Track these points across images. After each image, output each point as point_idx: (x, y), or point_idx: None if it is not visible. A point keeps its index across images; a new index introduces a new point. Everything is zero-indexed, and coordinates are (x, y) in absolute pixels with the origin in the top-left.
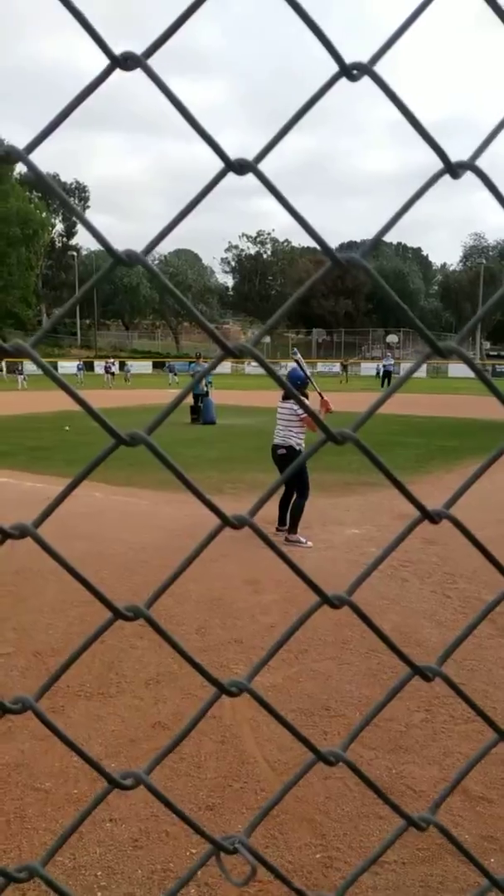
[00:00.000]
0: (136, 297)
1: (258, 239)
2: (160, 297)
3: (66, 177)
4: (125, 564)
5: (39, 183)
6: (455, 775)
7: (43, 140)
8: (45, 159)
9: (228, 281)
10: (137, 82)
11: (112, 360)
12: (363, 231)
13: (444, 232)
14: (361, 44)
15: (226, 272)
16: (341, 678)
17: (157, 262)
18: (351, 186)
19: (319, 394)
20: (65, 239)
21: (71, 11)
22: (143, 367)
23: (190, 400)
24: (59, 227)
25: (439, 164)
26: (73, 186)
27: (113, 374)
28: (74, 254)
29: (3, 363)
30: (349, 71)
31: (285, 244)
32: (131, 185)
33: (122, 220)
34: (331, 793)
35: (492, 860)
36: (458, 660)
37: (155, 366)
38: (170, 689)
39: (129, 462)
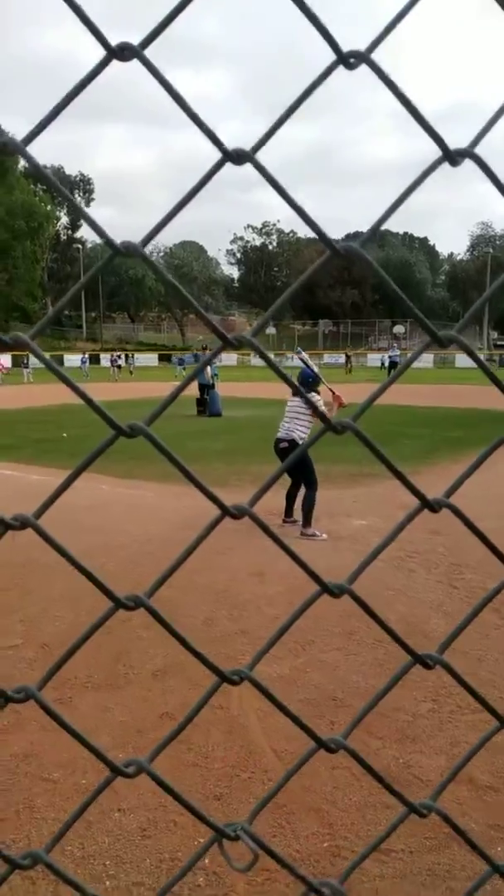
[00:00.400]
0: (142, 290)
1: (263, 230)
2: (165, 290)
3: (71, 169)
4: (130, 556)
5: (41, 175)
6: (456, 763)
7: (40, 132)
8: (49, 151)
9: (234, 272)
10: (141, 73)
11: (118, 353)
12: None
13: (451, 221)
14: (368, 31)
15: (231, 264)
16: (348, 668)
17: (161, 253)
18: (356, 175)
19: (331, 389)
20: (70, 232)
21: (69, 4)
22: (149, 359)
23: (196, 392)
24: (64, 219)
25: (437, 157)
26: (78, 179)
27: (119, 366)
28: (80, 246)
29: (9, 356)
30: (346, 59)
31: (290, 235)
32: (135, 177)
33: (126, 212)
34: (338, 782)
35: (498, 848)
36: (464, 649)
37: (161, 358)
38: (177, 680)
39: (134, 454)
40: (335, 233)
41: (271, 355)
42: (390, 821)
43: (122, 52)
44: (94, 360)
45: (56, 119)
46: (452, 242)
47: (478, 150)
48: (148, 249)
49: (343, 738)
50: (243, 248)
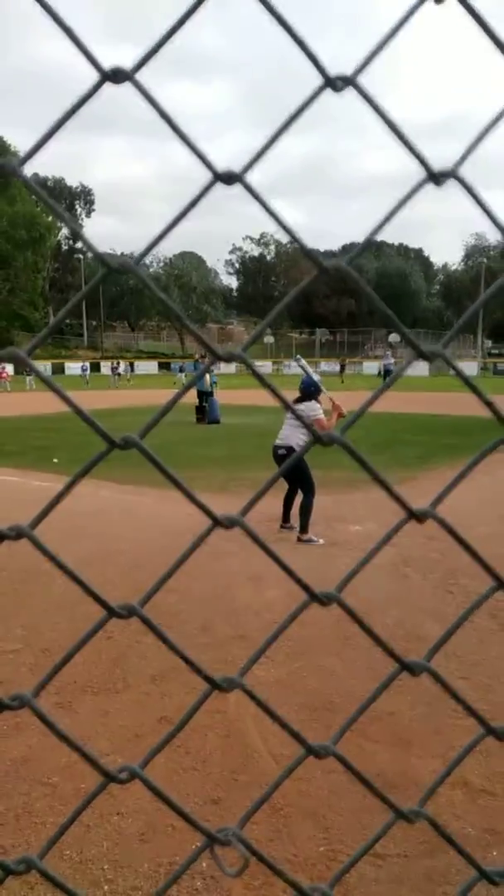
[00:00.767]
0: (142, 299)
1: (261, 240)
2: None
3: (71, 180)
4: (130, 562)
5: (36, 194)
6: (443, 770)
7: (35, 153)
8: (50, 162)
9: (233, 282)
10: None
11: (117, 361)
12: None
13: (446, 232)
14: (365, 40)
15: (230, 274)
16: (345, 674)
17: (161, 264)
18: (353, 187)
19: (330, 399)
20: (71, 242)
21: (61, 27)
22: (149, 367)
23: (195, 399)
24: (66, 230)
25: (436, 166)
26: (78, 190)
27: (119, 374)
28: (80, 256)
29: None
30: (333, 83)
31: (288, 245)
32: (135, 188)
33: (126, 223)
34: (334, 787)
35: (494, 853)
36: (460, 654)
37: (160, 366)
38: (175, 685)
39: (134, 461)
40: (331, 244)
41: (269, 363)
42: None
43: (115, 76)
44: (95, 368)
45: (56, 132)
46: (447, 253)
47: (474, 159)
48: (147, 260)
49: (332, 744)
50: (242, 258)
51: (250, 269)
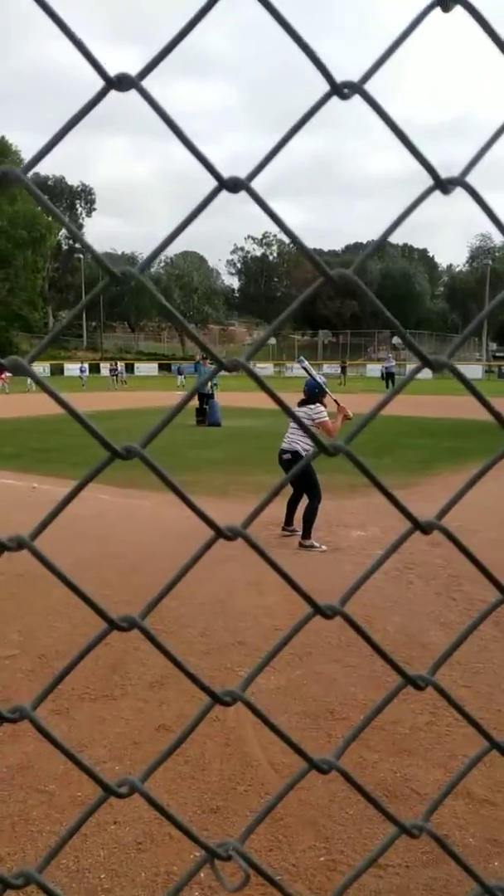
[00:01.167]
0: (142, 299)
1: (264, 241)
2: (167, 299)
3: (73, 179)
4: (130, 565)
5: (38, 201)
6: (448, 782)
7: (39, 161)
8: (51, 162)
9: (234, 283)
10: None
11: (115, 363)
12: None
13: (451, 233)
14: (369, 44)
15: (232, 274)
16: (346, 681)
17: (162, 264)
18: (358, 187)
19: (335, 401)
20: (71, 242)
21: (66, 34)
22: (149, 368)
23: (196, 402)
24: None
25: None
26: (80, 189)
27: (117, 376)
28: (80, 256)
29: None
30: (340, 90)
31: (290, 246)
32: (138, 188)
33: (128, 223)
34: (335, 796)
35: (496, 863)
36: (462, 662)
37: (161, 367)
38: (174, 692)
39: (135, 464)
40: (336, 244)
41: (270, 366)
42: (387, 834)
43: (120, 83)
44: (95, 369)
45: (59, 141)
46: (452, 254)
47: (483, 162)
48: None
49: (335, 759)
50: (244, 258)
51: (252, 269)
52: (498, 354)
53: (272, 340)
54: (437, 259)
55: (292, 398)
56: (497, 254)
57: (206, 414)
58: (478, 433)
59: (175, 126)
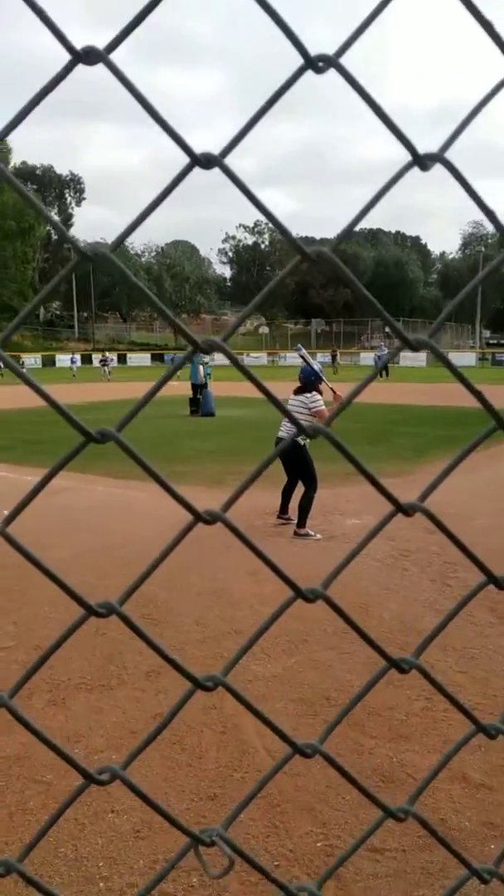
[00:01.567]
0: (134, 290)
1: (255, 229)
2: (158, 289)
3: (61, 168)
4: (125, 556)
5: (19, 192)
6: (433, 768)
7: (4, 137)
8: (38, 150)
9: (226, 272)
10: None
11: (104, 353)
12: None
13: (443, 220)
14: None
15: (223, 263)
16: (342, 668)
17: (153, 253)
18: (349, 174)
19: (331, 388)
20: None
21: (31, 6)
22: (141, 359)
23: (190, 392)
24: (55, 220)
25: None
26: (68, 178)
27: (107, 366)
28: (70, 247)
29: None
30: (315, 63)
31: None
32: (126, 176)
33: (118, 211)
34: (331, 781)
35: (492, 846)
36: (458, 647)
37: (153, 358)
38: (170, 681)
39: (128, 456)
40: (327, 232)
41: (264, 355)
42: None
43: (87, 56)
44: (87, 360)
45: (45, 119)
46: (444, 241)
47: (483, 149)
48: (139, 249)
49: (319, 744)
50: (235, 247)
51: (244, 258)
52: (492, 342)
53: (265, 329)
54: (429, 247)
55: (286, 388)
56: (490, 241)
57: (199, 404)
58: (470, 421)
59: (144, 101)
